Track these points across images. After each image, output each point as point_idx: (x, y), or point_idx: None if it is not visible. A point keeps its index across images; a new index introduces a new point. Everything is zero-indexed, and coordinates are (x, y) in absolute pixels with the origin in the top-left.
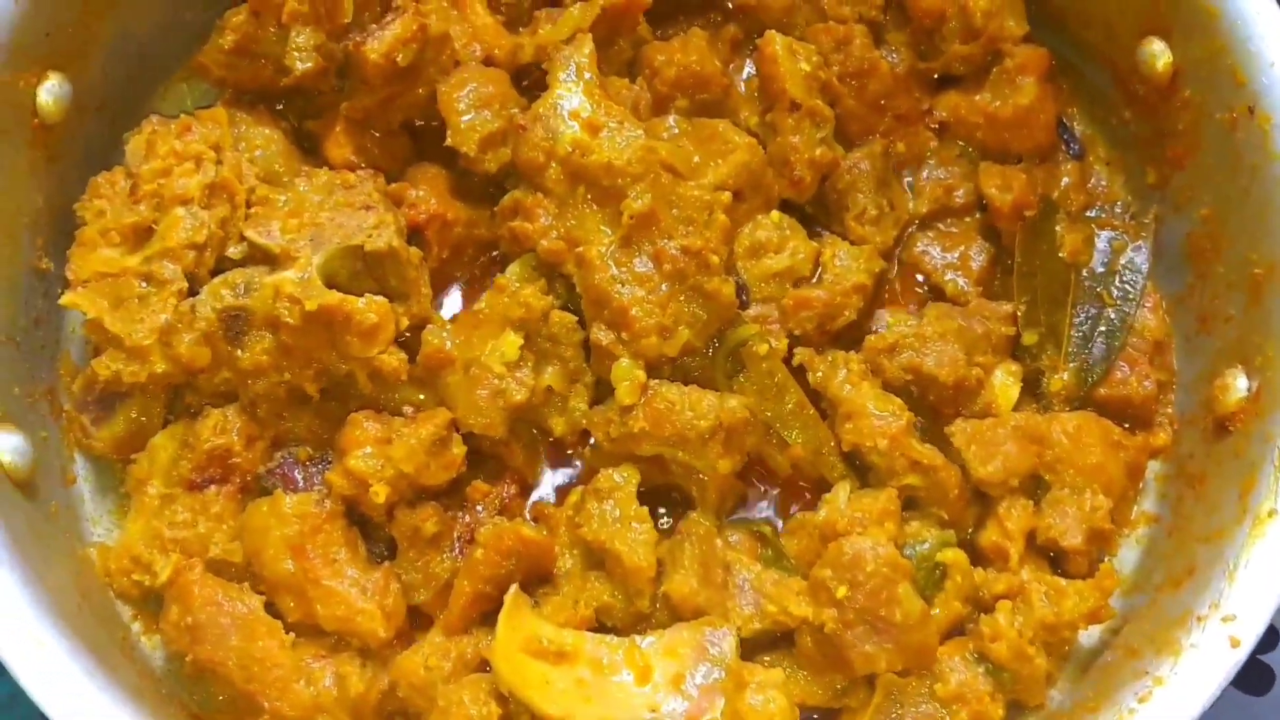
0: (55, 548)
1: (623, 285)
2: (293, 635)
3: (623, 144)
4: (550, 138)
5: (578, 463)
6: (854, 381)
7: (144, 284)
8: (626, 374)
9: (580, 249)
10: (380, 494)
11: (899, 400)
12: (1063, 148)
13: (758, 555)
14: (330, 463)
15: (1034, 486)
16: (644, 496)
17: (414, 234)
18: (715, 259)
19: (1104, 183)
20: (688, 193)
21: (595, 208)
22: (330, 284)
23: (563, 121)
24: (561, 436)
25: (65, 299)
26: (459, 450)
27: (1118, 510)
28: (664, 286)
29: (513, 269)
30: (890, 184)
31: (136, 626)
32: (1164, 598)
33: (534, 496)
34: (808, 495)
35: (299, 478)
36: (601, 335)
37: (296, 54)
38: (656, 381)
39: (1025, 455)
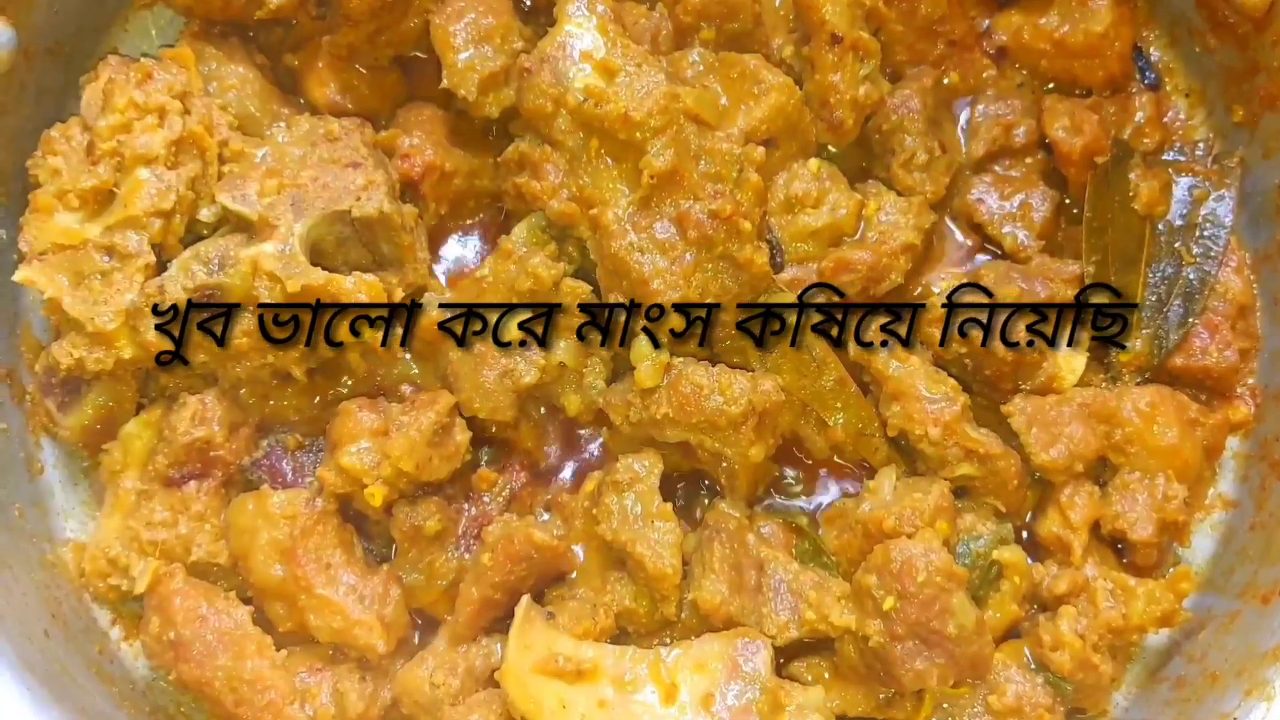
0: (20, 562)
1: (642, 253)
2: (285, 651)
3: (642, 92)
4: (559, 84)
5: (595, 440)
6: (901, 357)
7: (106, 258)
8: (647, 353)
9: (594, 211)
10: (376, 496)
11: (952, 380)
12: (1136, 76)
13: (793, 549)
14: (323, 450)
15: (1099, 468)
16: (665, 478)
17: (408, 188)
18: (747, 225)
19: (1182, 117)
20: (715, 146)
21: (611, 163)
22: (315, 253)
23: (573, 64)
24: (576, 416)
25: (20, 275)
26: (463, 438)
27: (1192, 494)
28: (689, 255)
29: (519, 231)
30: (942, 123)
31: (116, 632)
32: (1250, 612)
33: (549, 480)
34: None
35: (288, 469)
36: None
37: None
38: (681, 361)
39: (1092, 437)
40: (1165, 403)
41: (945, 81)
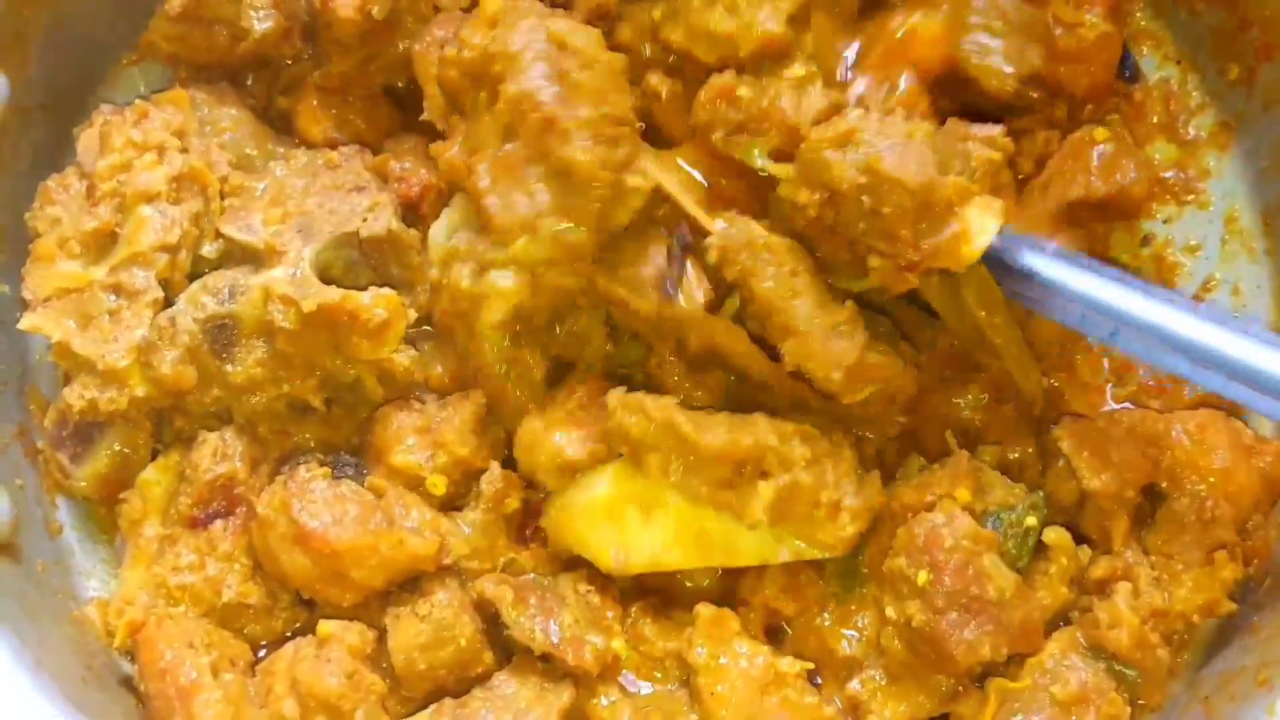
0: (48, 614)
1: (489, 180)
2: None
3: (512, 30)
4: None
5: None
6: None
7: (113, 297)
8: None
9: (471, 159)
10: (440, 485)
11: (847, 307)
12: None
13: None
14: (346, 465)
15: (1151, 496)
16: None
17: (408, 211)
18: (568, 123)
19: (1175, 87)
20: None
21: (490, 112)
22: (323, 280)
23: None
24: None
25: (25, 322)
26: (499, 431)
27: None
28: (531, 171)
29: (433, 250)
30: None
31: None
32: None
33: None
34: None
35: None
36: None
37: (253, 13)
38: None
39: (1143, 460)
40: (1216, 424)
41: None
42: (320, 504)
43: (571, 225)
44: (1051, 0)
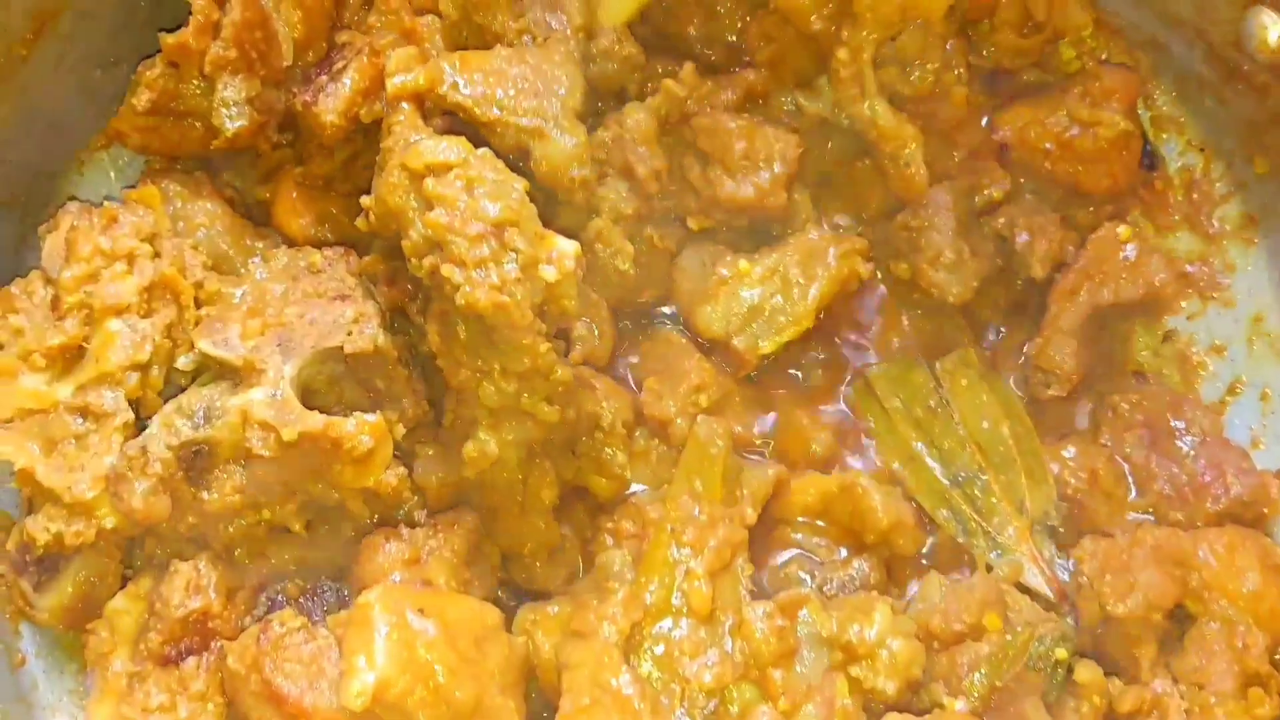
0: None
1: None
2: None
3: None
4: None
5: None
6: None
7: (79, 420)
8: None
9: None
10: None
11: None
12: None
13: None
14: (327, 592)
15: (1180, 617)
16: None
17: (397, 315)
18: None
19: (1199, 175)
20: None
21: None
22: (305, 393)
23: None
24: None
25: None
26: (494, 551)
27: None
28: None
29: None
30: (972, 231)
31: None
32: None
33: None
34: None
35: None
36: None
37: (225, 110)
38: None
39: (1169, 583)
40: (1244, 544)
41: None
42: (295, 665)
43: None
44: (1067, 99)
